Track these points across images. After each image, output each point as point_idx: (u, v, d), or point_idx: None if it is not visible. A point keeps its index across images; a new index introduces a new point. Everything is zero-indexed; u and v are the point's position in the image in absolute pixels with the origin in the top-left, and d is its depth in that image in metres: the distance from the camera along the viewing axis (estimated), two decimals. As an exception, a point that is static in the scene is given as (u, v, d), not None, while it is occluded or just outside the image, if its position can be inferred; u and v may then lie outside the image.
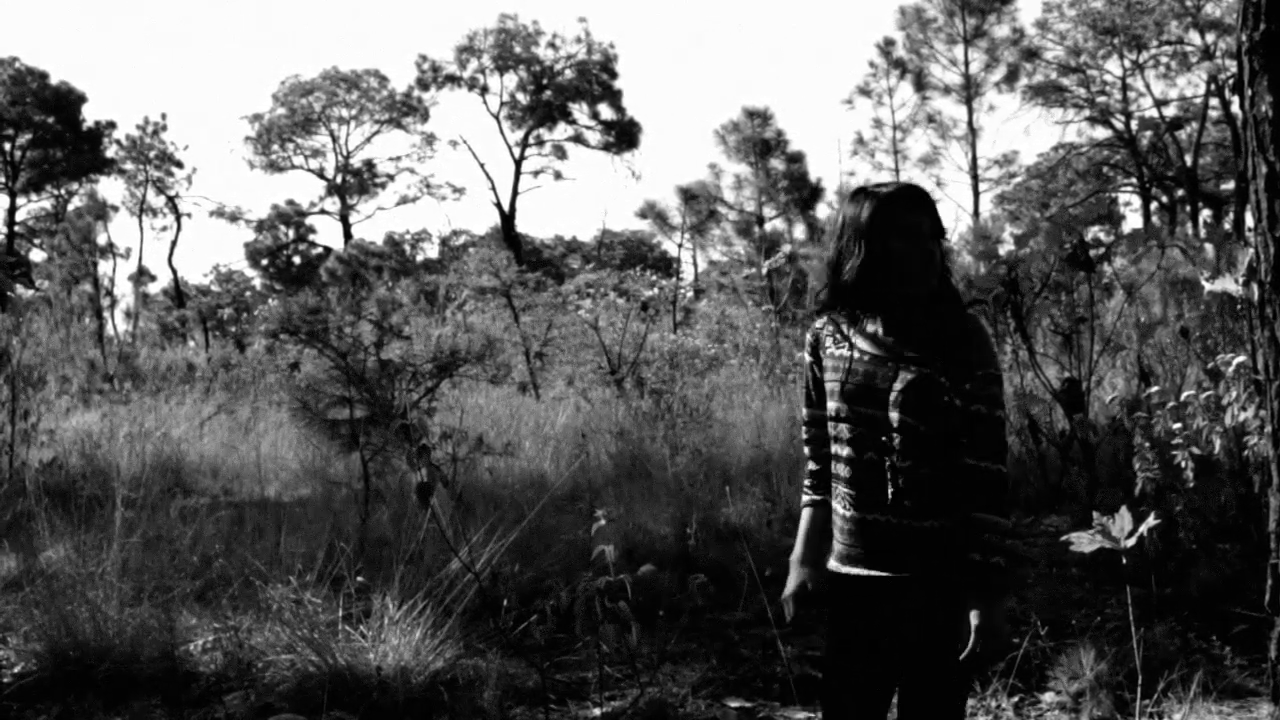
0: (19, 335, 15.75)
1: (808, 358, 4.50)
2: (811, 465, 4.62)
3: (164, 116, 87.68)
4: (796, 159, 64.97)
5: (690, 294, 49.55)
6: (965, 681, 4.24)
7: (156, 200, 79.86)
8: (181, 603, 8.20)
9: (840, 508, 4.37)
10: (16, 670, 7.53)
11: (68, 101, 76.95)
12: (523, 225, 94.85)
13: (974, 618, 3.97)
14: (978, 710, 6.54)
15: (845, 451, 4.27)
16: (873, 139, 66.94)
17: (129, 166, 79.50)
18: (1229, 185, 64.49)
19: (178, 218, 79.59)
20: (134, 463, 14.24)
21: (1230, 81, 59.40)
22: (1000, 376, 4.13)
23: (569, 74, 78.55)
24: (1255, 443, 7.75)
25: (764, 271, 42.29)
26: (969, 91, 64.94)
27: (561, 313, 27.43)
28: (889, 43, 65.96)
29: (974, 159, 65.75)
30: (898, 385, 4.12)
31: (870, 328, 4.28)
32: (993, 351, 4.17)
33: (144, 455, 15.35)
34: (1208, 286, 7.81)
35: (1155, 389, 8.98)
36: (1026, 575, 4.76)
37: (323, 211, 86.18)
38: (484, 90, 78.39)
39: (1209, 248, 8.06)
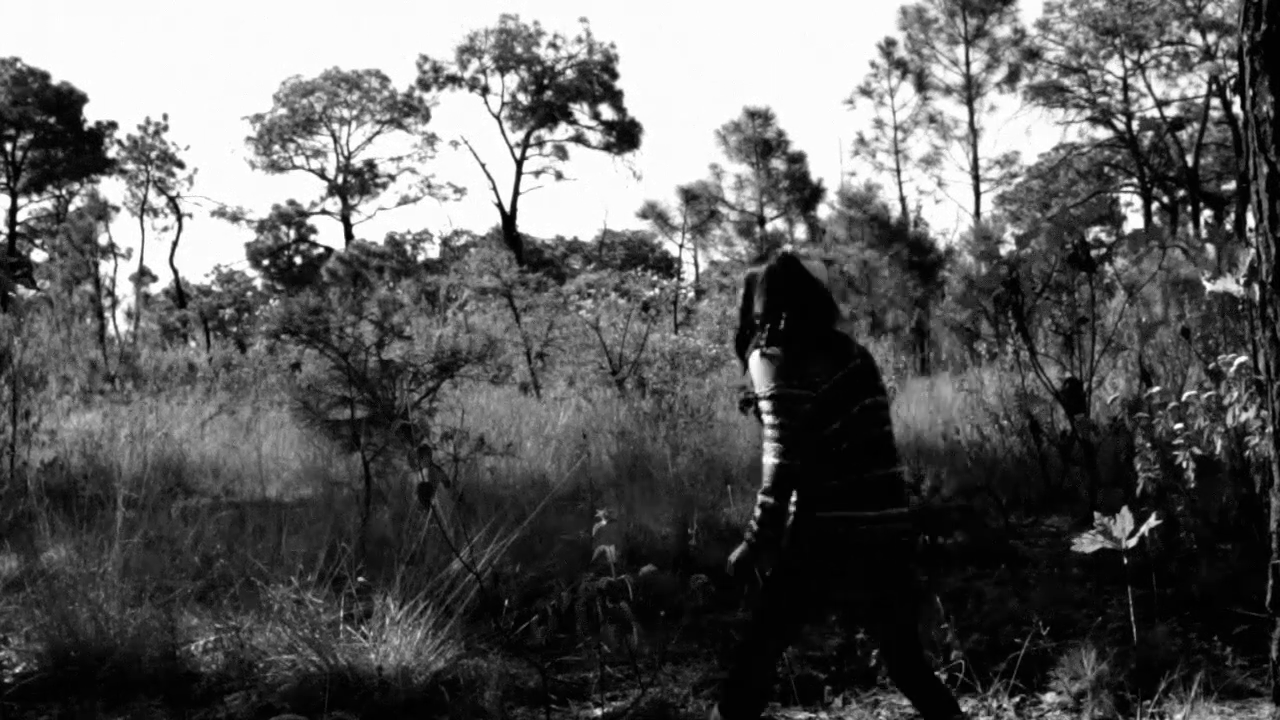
0: (20, 335, 15.75)
1: None
2: None
3: (165, 117, 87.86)
4: (798, 159, 65.09)
5: (691, 294, 49.58)
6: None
7: (158, 200, 79.93)
8: (183, 603, 8.21)
9: None
10: (18, 670, 7.53)
11: (69, 102, 76.97)
12: (524, 225, 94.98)
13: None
14: (979, 710, 6.54)
15: None
16: (874, 139, 67.07)
17: (130, 167, 79.52)
18: (1230, 185, 64.54)
19: (179, 218, 79.64)
20: (135, 463, 14.24)
21: (1231, 82, 59.42)
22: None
23: (570, 74, 78.54)
24: (1256, 443, 7.75)
25: (765, 272, 42.36)
26: (970, 92, 64.99)
27: (563, 313, 27.46)
28: (890, 43, 66.04)
29: (975, 159, 65.81)
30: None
31: None
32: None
33: (145, 455, 15.35)
34: (1209, 287, 7.80)
35: (1156, 389, 8.99)
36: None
37: (324, 212, 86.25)
38: (485, 90, 78.40)
39: (1210, 248, 8.05)
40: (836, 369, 5.40)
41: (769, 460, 5.26)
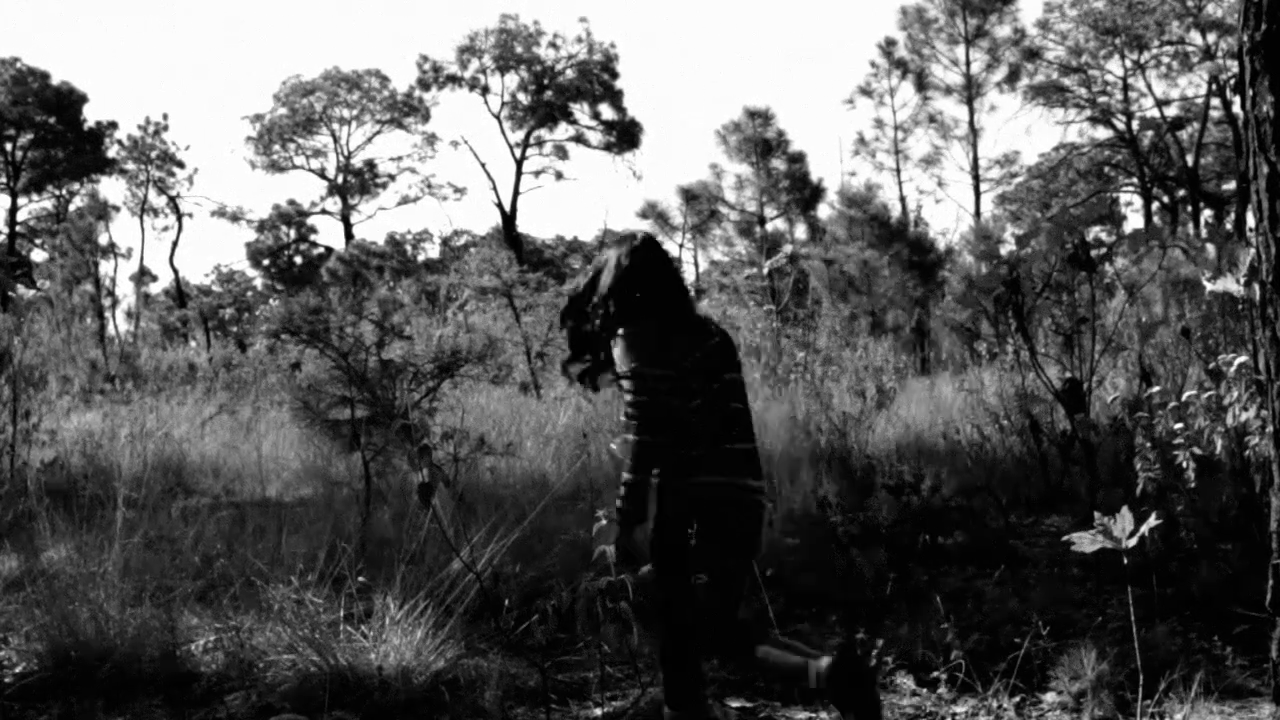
0: (21, 335, 15.77)
1: None
2: None
3: (165, 117, 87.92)
4: (798, 159, 65.18)
5: (691, 293, 49.63)
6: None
7: (158, 200, 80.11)
8: (183, 603, 8.20)
9: None
10: (18, 670, 7.53)
11: (69, 101, 77.04)
12: (524, 225, 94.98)
13: None
14: (979, 710, 6.54)
15: None
16: (874, 139, 67.19)
17: (130, 166, 79.67)
18: (1230, 185, 64.58)
19: (179, 218, 79.77)
20: (135, 463, 14.24)
21: (1231, 81, 59.42)
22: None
23: (570, 74, 78.62)
24: (1257, 443, 7.75)
25: (765, 271, 42.36)
26: (970, 91, 65.06)
27: (563, 312, 27.40)
28: (890, 43, 66.13)
29: (975, 159, 65.90)
30: None
31: None
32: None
33: (145, 455, 15.35)
34: (1209, 286, 7.79)
35: (1157, 389, 8.98)
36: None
37: (324, 211, 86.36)
38: (485, 90, 78.50)
39: (1210, 248, 8.05)
40: (696, 347, 5.74)
41: (630, 437, 5.58)
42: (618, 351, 5.63)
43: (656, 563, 5.82)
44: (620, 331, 5.67)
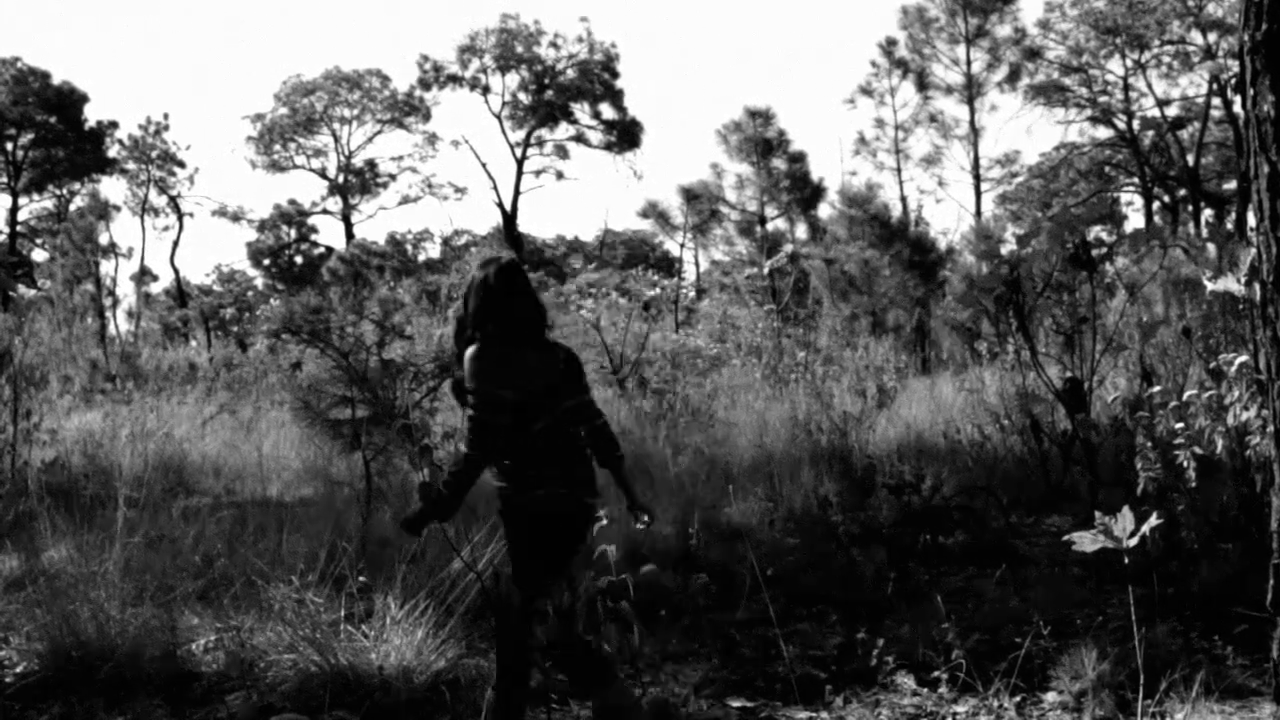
0: (21, 335, 15.75)
1: None
2: None
3: (166, 116, 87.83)
4: (798, 159, 65.12)
5: (692, 293, 49.63)
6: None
7: (159, 200, 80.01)
8: (183, 602, 8.22)
9: None
10: (19, 670, 7.53)
11: (70, 101, 76.99)
12: (524, 225, 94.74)
13: None
14: (980, 710, 6.55)
15: None
16: (875, 139, 67.13)
17: (131, 166, 79.59)
18: (1231, 185, 64.52)
19: (180, 217, 79.70)
20: (136, 462, 14.22)
21: (1232, 81, 59.38)
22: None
23: (571, 74, 78.55)
24: (1257, 443, 7.75)
25: (766, 271, 42.35)
26: (971, 91, 65.02)
27: (563, 312, 27.40)
28: (891, 42, 66.07)
29: (976, 159, 65.85)
30: None
31: None
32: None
33: (146, 455, 15.34)
34: (1210, 286, 7.79)
35: (1157, 389, 8.98)
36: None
37: (325, 211, 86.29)
38: (486, 90, 78.43)
39: (1211, 247, 8.04)
40: (542, 372, 6.08)
41: (460, 447, 6.10)
42: (466, 368, 6.01)
43: (514, 565, 6.17)
44: (467, 352, 6.04)
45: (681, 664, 7.78)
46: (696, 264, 78.59)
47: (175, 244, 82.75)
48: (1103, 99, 66.40)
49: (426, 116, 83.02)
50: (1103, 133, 69.11)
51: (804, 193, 65.11)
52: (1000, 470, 12.70)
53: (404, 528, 6.21)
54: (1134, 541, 5.38)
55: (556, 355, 6.23)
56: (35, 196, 79.20)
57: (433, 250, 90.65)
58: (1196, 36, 62.14)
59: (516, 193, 78.09)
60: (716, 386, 20.43)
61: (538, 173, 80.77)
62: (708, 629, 8.43)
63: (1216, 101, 62.81)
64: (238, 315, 75.92)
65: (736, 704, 6.99)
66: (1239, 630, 7.41)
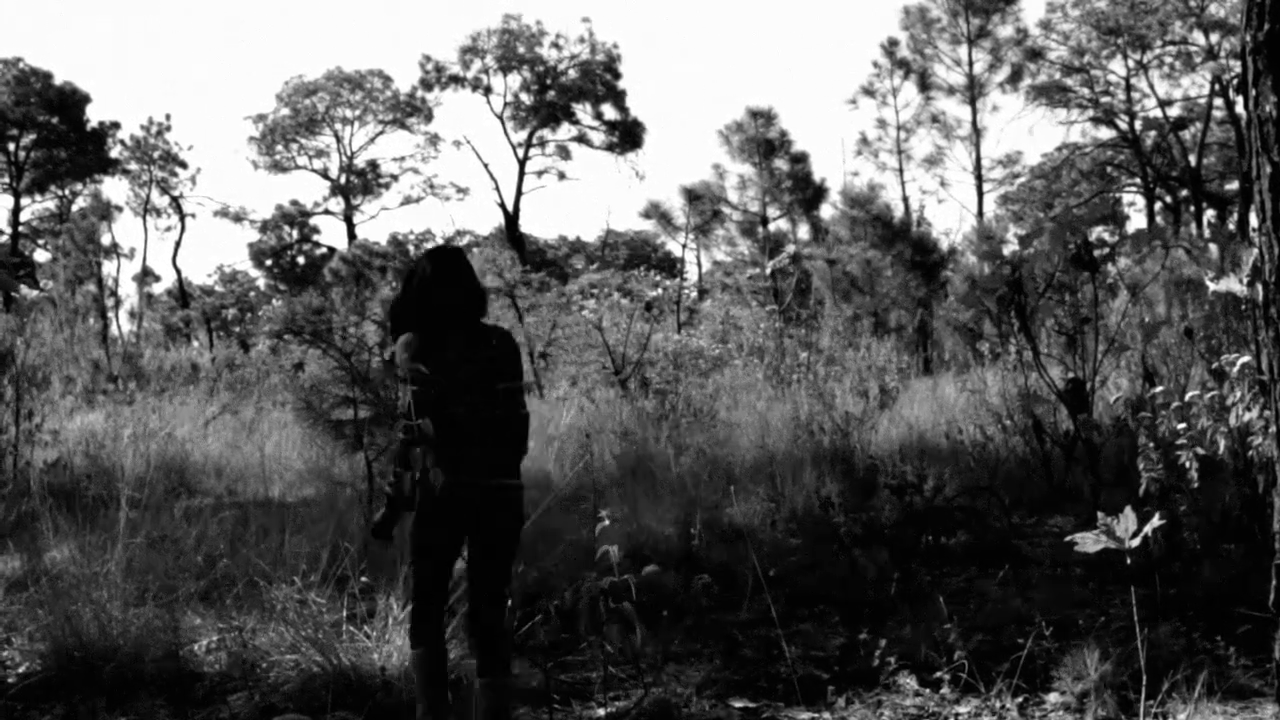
0: (24, 336, 15.76)
1: None
2: None
3: (168, 117, 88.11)
4: (800, 159, 65.05)
5: (694, 294, 49.61)
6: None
7: (161, 200, 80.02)
8: (186, 603, 8.22)
9: None
10: (21, 670, 7.54)
11: (72, 102, 77.01)
12: (526, 225, 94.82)
13: None
14: (982, 711, 6.55)
15: None
16: (877, 139, 67.07)
17: (133, 167, 79.61)
18: (1233, 185, 64.51)
19: (182, 218, 79.74)
20: (138, 463, 14.23)
21: (1234, 81, 59.35)
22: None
23: (572, 74, 78.53)
24: (1260, 443, 7.75)
25: (768, 272, 42.33)
26: (973, 92, 64.99)
27: (565, 313, 27.48)
28: (893, 43, 66.04)
29: (978, 159, 65.80)
30: None
31: None
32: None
33: (148, 455, 15.34)
34: (1212, 287, 7.79)
35: (1160, 389, 8.98)
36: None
37: (326, 212, 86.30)
38: (488, 90, 78.43)
39: (1213, 248, 8.05)
40: (468, 357, 6.14)
41: (399, 434, 6.30)
42: (398, 352, 6.28)
43: (411, 537, 6.22)
44: (404, 337, 6.27)
45: (684, 664, 7.79)
46: (699, 264, 78.56)
47: (177, 244, 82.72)
48: (1105, 99, 66.39)
49: (429, 117, 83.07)
50: (1105, 133, 69.11)
51: (806, 193, 65.05)
52: (1002, 471, 12.70)
53: (374, 535, 6.31)
54: (1136, 542, 5.38)
55: (487, 339, 6.27)
56: (37, 197, 79.25)
57: (444, 245, 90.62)
58: (1198, 37, 62.13)
59: (518, 193, 78.11)
60: (719, 387, 20.43)
61: (540, 173, 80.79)
62: (710, 629, 8.44)
63: (1218, 102, 62.83)
64: (240, 316, 76.04)
65: (739, 704, 6.99)
66: (1241, 631, 7.41)
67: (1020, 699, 6.64)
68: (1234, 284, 7.36)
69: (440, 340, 6.17)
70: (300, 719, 6.59)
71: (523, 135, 79.17)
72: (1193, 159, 64.46)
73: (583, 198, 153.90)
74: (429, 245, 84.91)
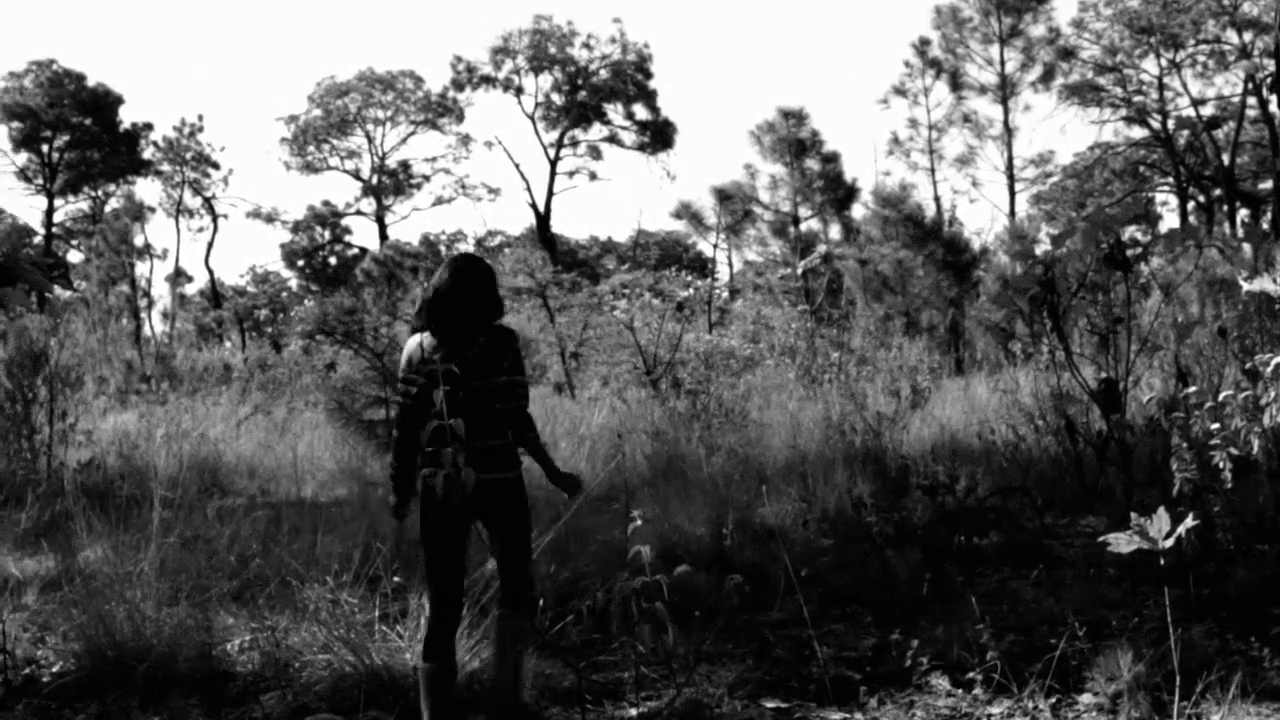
0: (57, 336, 15.85)
1: None
2: None
3: (200, 118, 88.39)
4: (832, 159, 64.93)
5: (726, 294, 49.53)
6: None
7: (193, 201, 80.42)
8: (219, 602, 8.25)
9: None
10: (55, 669, 7.57)
11: (105, 103, 77.36)
12: (558, 226, 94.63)
13: None
14: (1015, 711, 6.53)
15: None
16: (908, 139, 66.99)
17: (166, 168, 79.97)
18: (1267, 184, 64.27)
19: (214, 219, 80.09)
20: (171, 463, 14.28)
21: (1268, 80, 59.16)
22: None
23: (604, 74, 78.58)
24: (1294, 443, 7.72)
25: (799, 272, 42.27)
26: (1005, 91, 64.82)
27: (597, 313, 27.46)
28: (924, 42, 65.93)
29: (1010, 159, 65.62)
30: None
31: None
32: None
33: (181, 455, 15.39)
34: (1246, 286, 7.77)
35: (1193, 389, 8.94)
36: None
37: (358, 212, 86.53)
38: (519, 91, 78.52)
39: (1247, 247, 8.04)
40: (449, 357, 6.46)
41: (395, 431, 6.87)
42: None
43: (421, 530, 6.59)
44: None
45: (715, 665, 7.78)
46: (730, 264, 78.49)
47: (210, 245, 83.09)
48: (1137, 99, 66.15)
49: (460, 117, 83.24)
50: (1137, 132, 68.88)
51: (837, 193, 64.93)
52: (1035, 471, 12.66)
53: (394, 515, 6.85)
54: (1170, 543, 5.36)
55: (472, 341, 6.59)
56: (71, 198, 79.65)
57: (467, 251, 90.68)
58: (1231, 35, 61.88)
59: (550, 193, 78.21)
60: (750, 387, 20.41)
61: (571, 173, 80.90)
62: (742, 630, 8.43)
63: (1252, 101, 62.54)
64: (272, 316, 76.27)
65: (771, 705, 6.98)
66: (1276, 632, 7.37)
67: (1053, 699, 6.62)
68: (1268, 283, 7.34)
69: (443, 340, 6.56)
70: (333, 719, 6.60)
71: (554, 135, 79.31)
72: (1226, 158, 64.19)
73: (614, 198, 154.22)
74: (461, 245, 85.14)
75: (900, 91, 67.08)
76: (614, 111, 80.00)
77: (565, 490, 6.87)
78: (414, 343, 6.69)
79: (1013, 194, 66.01)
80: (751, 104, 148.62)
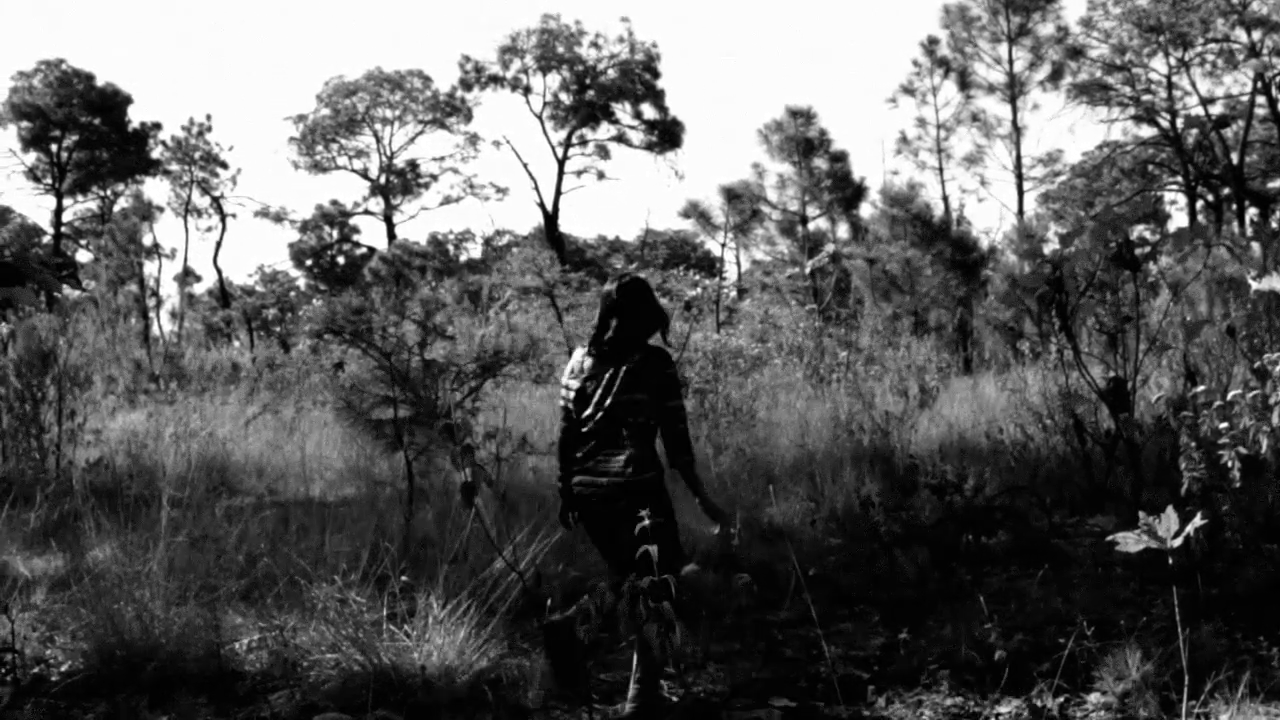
0: (66, 335, 15.86)
1: None
2: None
3: (209, 117, 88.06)
4: (840, 158, 64.79)
5: (734, 293, 49.53)
6: None
7: (201, 201, 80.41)
8: (227, 602, 8.25)
9: None
10: (64, 668, 7.58)
11: (114, 103, 77.41)
12: (566, 225, 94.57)
13: None
14: (1023, 710, 6.53)
15: None
16: (916, 138, 66.89)
17: (174, 167, 79.99)
18: (1276, 183, 64.23)
19: (223, 218, 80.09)
20: (179, 462, 14.30)
21: (1277, 79, 59.10)
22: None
23: (612, 74, 78.56)
24: (1302, 442, 7.70)
25: (807, 271, 42.29)
26: (1013, 90, 64.76)
27: (605, 313, 27.40)
28: (933, 41, 65.86)
29: (1018, 158, 65.55)
30: None
31: None
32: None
33: (189, 455, 15.42)
34: (1254, 285, 7.75)
35: (1201, 388, 8.93)
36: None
37: (366, 212, 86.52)
38: (527, 90, 78.52)
39: (1255, 246, 8.01)
40: (597, 371, 6.98)
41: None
42: None
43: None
44: None
45: (724, 664, 7.78)
46: (738, 264, 78.29)
47: (218, 245, 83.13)
48: (1146, 97, 66.06)
49: (468, 117, 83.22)
50: (1146, 131, 68.74)
51: (845, 192, 64.81)
52: (1043, 470, 12.66)
53: (562, 523, 7.26)
54: (1178, 542, 5.35)
55: (621, 359, 6.96)
56: (79, 198, 79.71)
57: (474, 250, 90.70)
58: (1240, 34, 61.80)
59: (558, 193, 78.22)
60: (758, 386, 20.39)
61: (579, 173, 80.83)
62: (750, 629, 8.43)
63: (1261, 100, 62.44)
64: (280, 316, 76.33)
65: (779, 704, 6.99)
66: (1284, 631, 7.37)
67: (1061, 699, 6.61)
68: (1276, 282, 7.32)
69: (596, 355, 7.06)
70: (341, 718, 6.60)
71: (562, 135, 79.30)
72: (1235, 157, 64.09)
73: (622, 197, 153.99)
74: (468, 244, 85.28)
75: (908, 90, 67.02)
76: (622, 111, 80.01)
77: (713, 520, 7.21)
78: (578, 354, 7.20)
79: (1021, 193, 65.95)
80: (759, 103, 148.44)
